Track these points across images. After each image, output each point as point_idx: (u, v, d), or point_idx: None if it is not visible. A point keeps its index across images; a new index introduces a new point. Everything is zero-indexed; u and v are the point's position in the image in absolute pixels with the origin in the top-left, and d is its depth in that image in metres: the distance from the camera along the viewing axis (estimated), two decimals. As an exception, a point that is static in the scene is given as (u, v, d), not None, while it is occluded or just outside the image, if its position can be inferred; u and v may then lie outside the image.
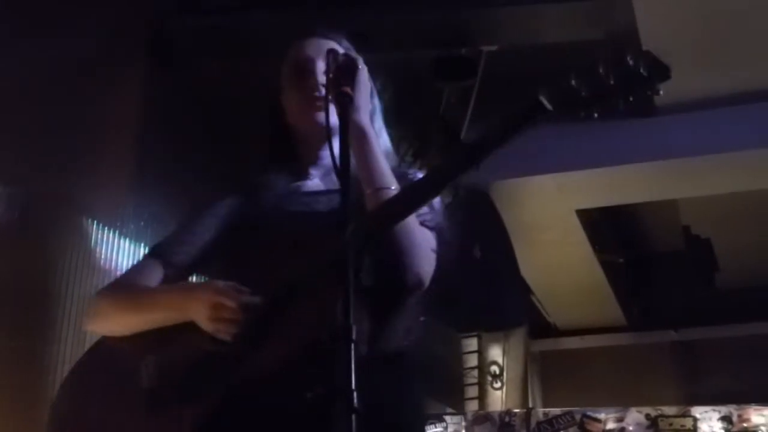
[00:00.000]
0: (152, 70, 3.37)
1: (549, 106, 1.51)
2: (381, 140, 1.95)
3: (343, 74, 1.71)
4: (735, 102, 4.48)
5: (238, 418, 1.60)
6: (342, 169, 1.56)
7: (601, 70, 1.49)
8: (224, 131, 3.71)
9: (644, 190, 5.38)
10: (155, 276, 1.83)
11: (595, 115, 1.50)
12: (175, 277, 1.85)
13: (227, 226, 1.88)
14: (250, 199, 1.89)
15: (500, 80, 3.80)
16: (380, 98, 1.99)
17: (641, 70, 1.47)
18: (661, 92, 1.46)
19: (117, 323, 1.78)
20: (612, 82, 1.48)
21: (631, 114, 4.59)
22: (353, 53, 1.93)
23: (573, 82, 1.50)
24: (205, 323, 1.61)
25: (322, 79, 1.81)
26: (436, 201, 1.81)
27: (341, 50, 1.93)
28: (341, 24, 2.03)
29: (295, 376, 1.55)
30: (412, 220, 1.70)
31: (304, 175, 1.93)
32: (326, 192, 1.84)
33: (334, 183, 1.89)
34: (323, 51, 1.90)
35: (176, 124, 3.48)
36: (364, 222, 1.62)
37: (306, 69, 1.85)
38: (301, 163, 1.94)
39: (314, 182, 1.92)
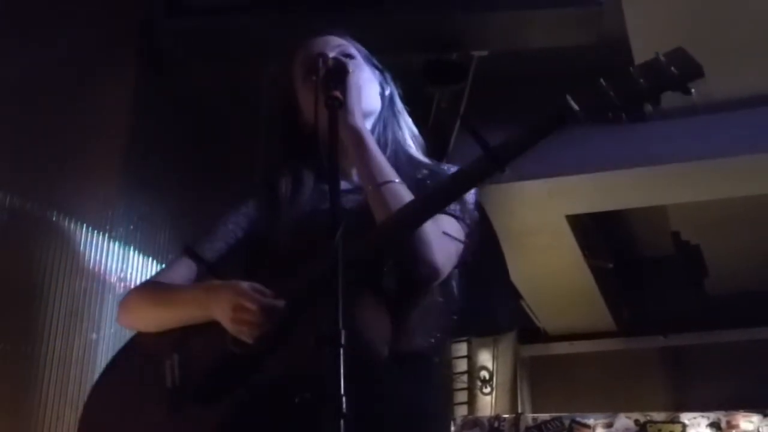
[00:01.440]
0: (141, 73, 3.35)
1: (577, 108, 1.49)
2: (405, 121, 1.97)
3: (332, 78, 1.71)
4: (725, 108, 4.49)
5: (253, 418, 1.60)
6: (331, 172, 1.56)
7: (632, 70, 1.47)
8: (213, 134, 3.70)
9: (634, 195, 5.39)
10: (188, 272, 1.87)
11: (624, 116, 1.47)
12: (207, 275, 1.86)
13: (255, 226, 1.90)
14: (273, 201, 1.90)
15: (491, 85, 3.80)
16: (396, 85, 2.00)
17: (672, 69, 1.45)
18: (693, 91, 1.44)
19: (144, 318, 1.83)
20: (642, 81, 1.46)
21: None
22: (353, 50, 1.94)
23: (602, 84, 1.48)
24: (227, 324, 1.63)
25: None
26: (470, 194, 1.80)
27: (351, 48, 1.94)
28: (331, 28, 2.03)
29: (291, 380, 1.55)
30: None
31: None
32: (345, 191, 1.80)
33: (355, 181, 1.89)
34: (333, 46, 1.91)
35: (165, 126, 3.47)
36: (388, 225, 1.61)
37: (317, 65, 1.84)
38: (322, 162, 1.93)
39: (341, 183, 1.92)
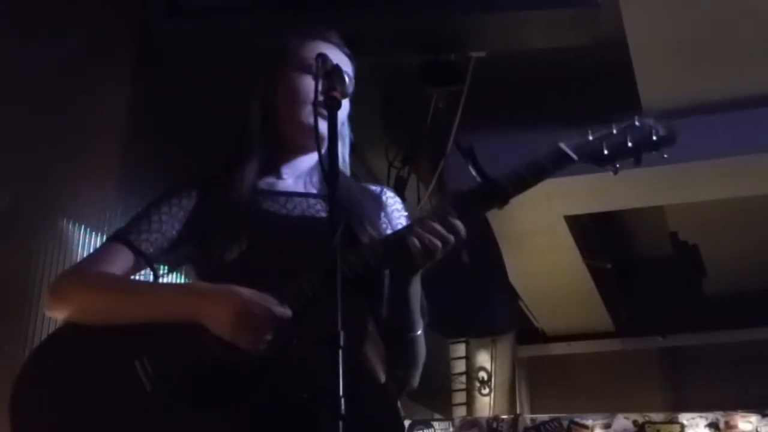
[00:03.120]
0: (140, 73, 3.35)
1: (575, 157, 1.70)
2: (347, 144, 1.97)
3: (331, 79, 1.70)
4: (722, 109, 4.49)
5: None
6: (330, 174, 1.55)
7: (615, 132, 1.71)
8: (212, 135, 3.70)
9: (632, 196, 5.39)
10: (125, 262, 1.77)
11: (617, 166, 1.72)
12: (143, 266, 1.80)
13: (194, 218, 1.83)
14: (218, 191, 1.84)
15: (488, 86, 3.81)
16: (351, 104, 1.97)
17: (653, 137, 1.72)
18: (666, 156, 1.76)
19: (89, 309, 1.70)
20: (630, 144, 1.70)
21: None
22: (351, 71, 1.92)
23: (596, 137, 1.71)
24: (224, 330, 1.56)
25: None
26: None
27: (350, 68, 1.92)
28: (329, 28, 2.02)
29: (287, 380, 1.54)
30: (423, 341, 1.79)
31: (276, 174, 1.91)
32: (301, 194, 1.82)
33: (306, 186, 1.88)
34: (337, 59, 1.88)
35: (164, 127, 3.47)
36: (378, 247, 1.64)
37: (317, 65, 1.80)
38: (274, 161, 1.91)
39: (287, 183, 1.90)
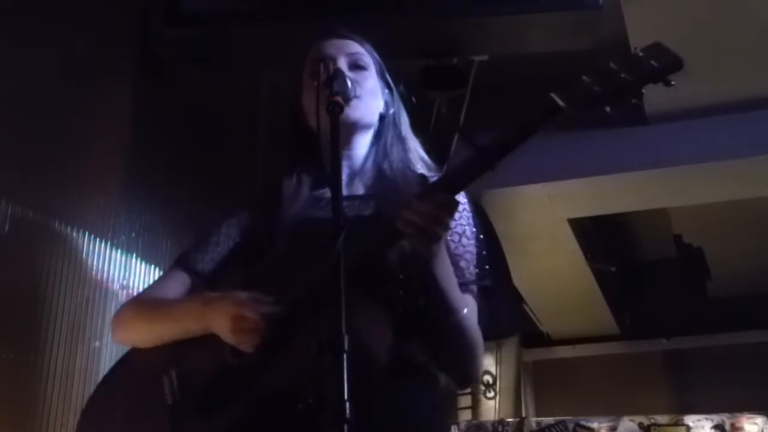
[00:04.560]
0: (142, 81, 3.36)
1: (562, 104, 1.49)
2: (411, 146, 1.94)
3: (332, 83, 1.70)
4: (726, 111, 4.50)
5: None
6: (333, 176, 1.55)
7: (612, 65, 1.50)
8: (215, 142, 3.71)
9: (636, 198, 5.39)
10: (181, 285, 1.84)
11: (608, 109, 1.48)
12: (202, 286, 1.84)
13: (250, 235, 1.87)
14: (272, 207, 1.85)
15: (491, 90, 3.81)
16: (404, 102, 1.97)
17: (652, 62, 1.48)
18: (673, 83, 1.46)
19: (139, 333, 1.79)
20: (623, 75, 1.48)
21: (622, 123, 4.60)
22: (367, 60, 1.91)
23: (585, 79, 1.50)
24: (227, 335, 1.59)
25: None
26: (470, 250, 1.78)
27: (366, 58, 1.92)
28: (350, 30, 2.01)
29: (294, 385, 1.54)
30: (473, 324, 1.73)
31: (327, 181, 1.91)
32: (346, 198, 1.74)
33: (352, 188, 1.88)
34: (345, 51, 1.88)
35: (166, 135, 3.47)
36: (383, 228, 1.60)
37: (319, 70, 1.79)
38: (322, 168, 1.91)
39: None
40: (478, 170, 1.56)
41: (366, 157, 1.89)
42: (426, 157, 1.96)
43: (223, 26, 3.23)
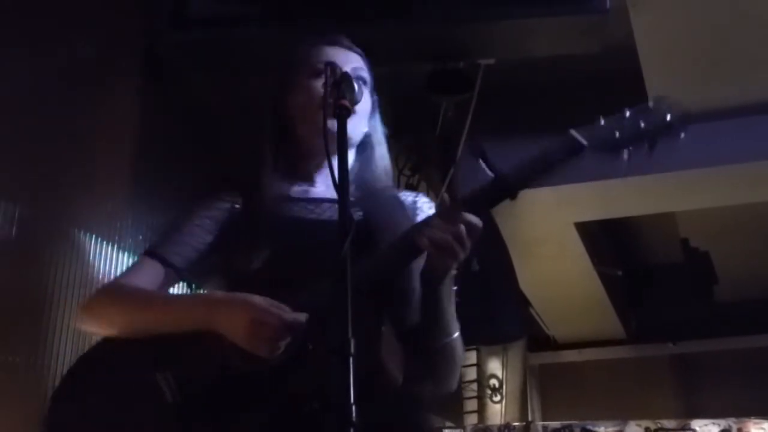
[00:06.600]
0: (147, 84, 3.36)
1: (585, 143, 1.58)
2: (383, 153, 1.95)
3: (340, 88, 1.70)
4: (733, 115, 4.48)
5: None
6: (340, 181, 1.55)
7: (627, 115, 1.59)
8: (220, 145, 3.71)
9: (643, 202, 5.38)
10: (155, 276, 1.80)
11: (625, 155, 1.61)
12: (175, 277, 1.83)
13: (225, 228, 1.85)
14: (248, 200, 1.85)
15: (498, 93, 3.81)
16: (381, 113, 1.97)
17: (667, 118, 1.59)
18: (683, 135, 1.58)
19: (117, 323, 1.73)
20: (643, 126, 1.58)
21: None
22: (366, 76, 1.92)
23: (603, 122, 1.58)
24: (242, 339, 1.57)
25: None
26: None
27: (365, 73, 1.92)
28: (349, 40, 2.01)
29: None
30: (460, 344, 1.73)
31: (308, 181, 1.91)
32: (333, 200, 1.76)
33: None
34: (350, 61, 1.89)
35: (172, 137, 3.47)
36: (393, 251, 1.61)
37: (326, 73, 1.78)
38: (303, 168, 1.91)
39: (319, 189, 1.89)
40: (499, 199, 1.62)
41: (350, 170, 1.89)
42: (389, 163, 1.97)
43: (229, 30, 3.23)
